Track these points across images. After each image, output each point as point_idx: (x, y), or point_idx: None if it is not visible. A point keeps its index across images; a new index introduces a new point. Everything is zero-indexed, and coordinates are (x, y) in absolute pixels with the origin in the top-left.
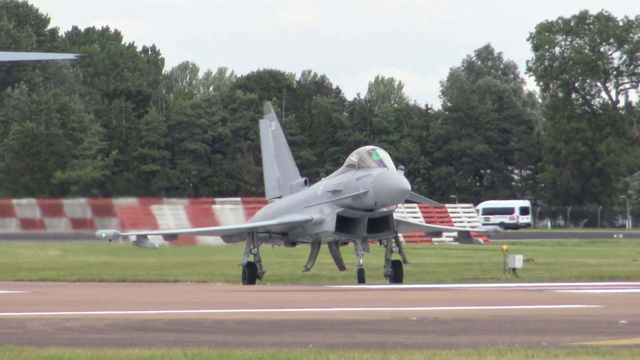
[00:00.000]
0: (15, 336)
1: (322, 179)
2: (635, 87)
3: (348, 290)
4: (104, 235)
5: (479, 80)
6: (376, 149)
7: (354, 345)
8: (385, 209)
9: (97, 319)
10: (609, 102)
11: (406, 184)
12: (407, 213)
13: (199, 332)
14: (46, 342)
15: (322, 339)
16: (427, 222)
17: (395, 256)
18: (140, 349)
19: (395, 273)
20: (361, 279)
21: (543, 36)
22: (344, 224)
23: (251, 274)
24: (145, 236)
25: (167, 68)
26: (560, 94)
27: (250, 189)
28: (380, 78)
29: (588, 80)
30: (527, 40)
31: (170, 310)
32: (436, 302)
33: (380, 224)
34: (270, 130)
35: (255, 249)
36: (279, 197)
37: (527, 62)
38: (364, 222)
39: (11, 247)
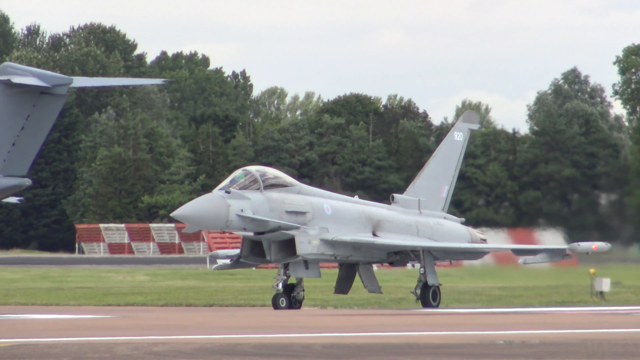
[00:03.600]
0: None
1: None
2: None
3: (435, 314)
4: None
5: (566, 104)
6: (246, 169)
7: None
8: (289, 232)
9: (185, 343)
10: None
11: (179, 211)
12: None
13: (287, 357)
14: None
15: None
16: None
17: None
18: None
19: (422, 294)
20: (275, 304)
21: (630, 59)
22: (258, 247)
23: (284, 298)
24: None
25: (255, 93)
26: None
27: None
28: (467, 102)
29: None
30: (614, 63)
31: (258, 334)
32: (523, 326)
33: (285, 248)
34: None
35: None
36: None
37: (614, 85)
38: (268, 245)
39: (99, 271)
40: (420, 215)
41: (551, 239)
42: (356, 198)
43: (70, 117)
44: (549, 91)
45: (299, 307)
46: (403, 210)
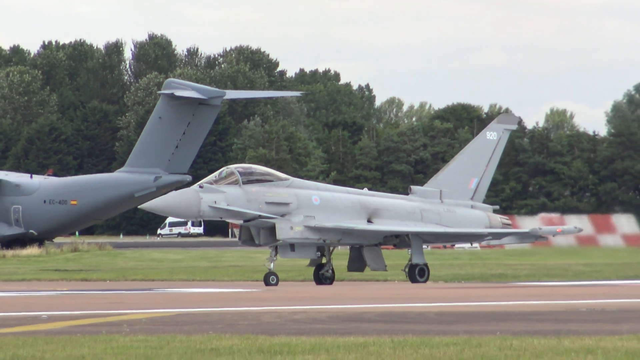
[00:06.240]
0: (251, 327)
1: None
2: None
3: (529, 287)
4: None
5: (638, 110)
6: (228, 167)
7: (534, 333)
8: (269, 220)
9: (319, 312)
10: None
11: (149, 203)
12: None
13: (405, 323)
14: (277, 331)
15: (507, 328)
16: None
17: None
18: (355, 337)
19: (409, 273)
20: (266, 281)
21: None
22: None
23: (315, 273)
24: None
25: (377, 103)
26: None
27: None
28: (555, 109)
29: None
30: None
31: (381, 304)
32: (603, 296)
33: (273, 233)
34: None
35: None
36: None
37: None
38: (256, 231)
39: (249, 252)
40: (431, 203)
41: (626, 223)
42: (365, 190)
43: (224, 124)
44: (624, 100)
45: (329, 283)
46: (420, 200)
